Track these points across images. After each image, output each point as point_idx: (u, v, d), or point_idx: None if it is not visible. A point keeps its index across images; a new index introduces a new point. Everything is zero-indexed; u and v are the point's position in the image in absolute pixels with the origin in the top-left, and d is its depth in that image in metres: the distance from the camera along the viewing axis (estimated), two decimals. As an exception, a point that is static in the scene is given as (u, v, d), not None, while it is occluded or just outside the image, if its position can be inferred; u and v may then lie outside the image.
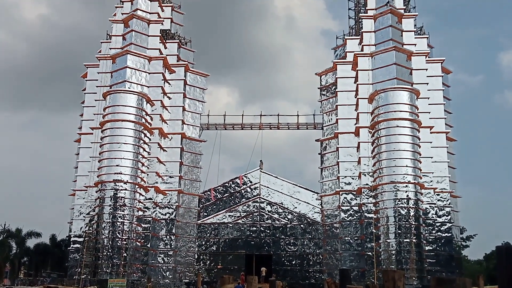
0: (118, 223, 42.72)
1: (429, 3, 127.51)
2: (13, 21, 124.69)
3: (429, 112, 45.59)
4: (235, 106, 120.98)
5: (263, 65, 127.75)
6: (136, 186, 44.28)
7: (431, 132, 45.35)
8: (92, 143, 47.27)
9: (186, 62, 52.10)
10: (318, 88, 53.08)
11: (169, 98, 50.11)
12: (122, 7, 51.26)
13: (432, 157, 44.75)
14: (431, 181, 44.46)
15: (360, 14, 50.86)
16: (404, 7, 49.12)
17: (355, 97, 47.33)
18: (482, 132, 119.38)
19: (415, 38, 47.82)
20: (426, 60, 47.22)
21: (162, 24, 50.88)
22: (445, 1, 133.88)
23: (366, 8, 49.89)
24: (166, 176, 48.47)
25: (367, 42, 47.50)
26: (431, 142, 45.01)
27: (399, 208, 41.50)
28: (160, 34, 50.11)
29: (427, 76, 46.51)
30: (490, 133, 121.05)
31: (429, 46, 49.45)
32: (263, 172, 53.38)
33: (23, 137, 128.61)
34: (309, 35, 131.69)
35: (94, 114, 48.01)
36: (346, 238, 46.07)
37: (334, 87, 50.57)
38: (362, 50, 47.99)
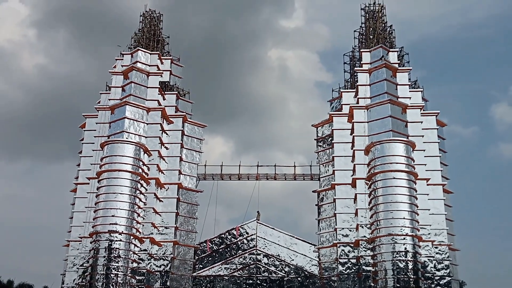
0: (112, 275, 42.01)
1: (423, 58, 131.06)
2: (10, 71, 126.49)
3: (425, 164, 45.89)
4: (230, 155, 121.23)
5: (259, 115, 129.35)
6: (131, 237, 43.84)
7: (427, 184, 45.49)
8: (88, 193, 47.15)
9: (184, 113, 52.77)
10: (315, 139, 53.60)
11: (167, 148, 50.44)
12: (122, 59, 52.38)
13: (429, 209, 44.69)
14: (429, 233, 44.21)
15: (356, 68, 52.02)
16: (398, 61, 50.41)
17: (351, 149, 47.74)
18: (478, 184, 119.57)
19: (410, 91, 48.78)
20: (421, 113, 47.98)
21: (161, 76, 51.91)
22: (437, 57, 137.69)
23: (361, 62, 51.09)
24: (162, 227, 48.05)
25: (363, 95, 48.44)
26: (427, 194, 45.06)
27: (397, 261, 41.10)
28: (159, 86, 50.99)
29: (423, 129, 47.14)
30: (486, 185, 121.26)
31: (424, 99, 50.34)
32: (260, 223, 53.05)
33: (17, 187, 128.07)
34: (303, 86, 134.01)
35: (91, 164, 48.09)
36: (344, 291, 45.32)
37: (330, 138, 51.11)
38: (357, 102, 48.85)
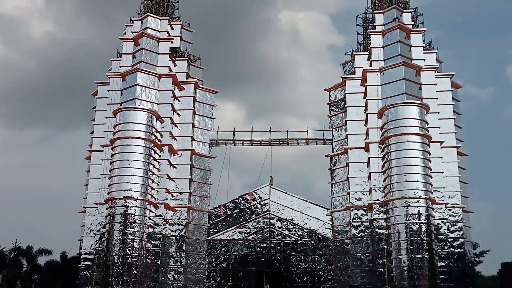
0: (128, 240, 42.79)
1: (437, 19, 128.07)
2: (20, 39, 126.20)
3: (439, 127, 45.53)
4: (242, 121, 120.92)
5: (270, 80, 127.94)
6: (146, 203, 44.41)
7: (441, 147, 45.24)
8: (102, 160, 47.65)
9: (195, 79, 52.61)
10: (327, 103, 53.30)
11: (179, 115, 50.54)
12: (132, 25, 51.99)
13: (443, 172, 44.61)
14: (443, 196, 44.23)
15: (369, 30, 51.21)
16: (413, 22, 49.46)
17: (365, 113, 47.44)
18: (493, 146, 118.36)
19: (424, 53, 48.00)
20: (435, 75, 47.35)
21: (172, 42, 51.52)
22: (453, 16, 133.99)
23: (374, 24, 50.25)
24: (176, 192, 48.66)
25: (376, 58, 47.73)
26: (441, 157, 44.87)
27: (410, 224, 41.26)
28: (169, 52, 50.68)
29: (437, 91, 46.61)
30: (501, 147, 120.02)
31: (438, 61, 49.58)
32: (273, 188, 53.37)
33: (32, 155, 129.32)
34: (315, 50, 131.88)
35: (105, 131, 48.42)
36: (357, 254, 45.84)
37: (343, 102, 50.78)
38: (370, 65, 48.22)
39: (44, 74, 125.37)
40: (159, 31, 51.33)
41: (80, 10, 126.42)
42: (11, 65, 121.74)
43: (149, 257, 44.15)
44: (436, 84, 46.84)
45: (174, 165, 49.02)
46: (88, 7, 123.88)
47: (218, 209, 52.93)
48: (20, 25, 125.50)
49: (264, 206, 52.62)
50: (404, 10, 49.62)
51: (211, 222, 51.95)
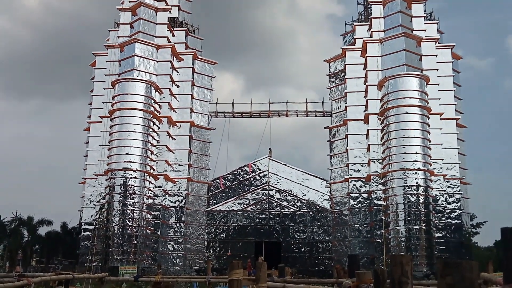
0: (128, 211, 43.18)
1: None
2: (14, 8, 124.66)
3: (439, 99, 45.46)
4: (241, 92, 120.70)
5: (268, 50, 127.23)
6: (146, 174, 44.66)
7: (441, 119, 45.28)
8: (101, 131, 47.66)
9: (194, 50, 52.21)
10: (327, 75, 53.07)
11: (178, 86, 50.33)
12: (130, -5, 51.30)
13: (442, 144, 44.73)
14: (441, 168, 44.49)
15: (369, 0, 50.58)
16: (414, -8, 48.83)
17: (364, 84, 47.28)
18: (492, 118, 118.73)
19: (425, 23, 47.59)
20: (436, 46, 47.05)
21: (170, 12, 50.92)
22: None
23: (375, -7, 49.60)
24: (175, 164, 48.85)
25: (376, 28, 47.29)
26: (441, 129, 44.95)
27: (408, 195, 41.63)
28: (168, 22, 50.17)
29: (437, 62, 46.34)
30: (500, 118, 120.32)
31: (439, 31, 49.19)
32: (272, 159, 53.61)
33: (30, 126, 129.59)
34: (313, 19, 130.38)
35: (103, 102, 48.28)
36: (355, 225, 46.34)
37: (343, 73, 50.54)
38: (371, 36, 47.80)
39: (40, 44, 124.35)
40: (157, 1, 50.64)
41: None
42: (6, 35, 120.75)
43: (149, 227, 44.61)
44: (436, 55, 46.58)
45: (173, 136, 49.06)
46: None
47: (218, 180, 53.25)
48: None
49: (263, 178, 52.97)
50: (406, -20, 48.93)
51: (211, 193, 52.35)
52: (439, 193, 44.34)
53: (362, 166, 46.94)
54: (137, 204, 43.63)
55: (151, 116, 45.84)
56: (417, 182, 41.84)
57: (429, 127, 43.48)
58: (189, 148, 49.56)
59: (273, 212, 50.51)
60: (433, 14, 50.30)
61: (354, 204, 46.60)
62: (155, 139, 46.22)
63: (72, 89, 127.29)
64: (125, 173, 43.70)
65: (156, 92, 46.98)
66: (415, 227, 41.04)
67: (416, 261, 39.29)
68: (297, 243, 49.67)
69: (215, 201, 52.42)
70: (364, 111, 46.96)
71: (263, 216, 50.48)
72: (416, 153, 42.21)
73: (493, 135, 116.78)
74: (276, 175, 52.77)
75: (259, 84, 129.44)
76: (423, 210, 41.33)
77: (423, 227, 41.01)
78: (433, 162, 43.34)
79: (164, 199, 47.25)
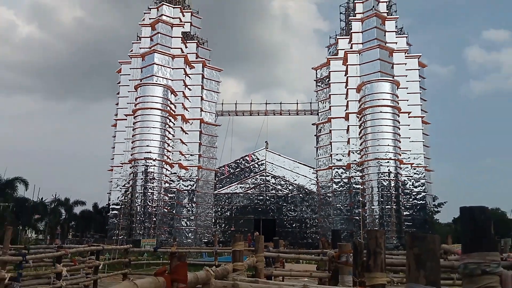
0: (148, 193, 43.16)
1: (408, 8, 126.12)
2: (53, 24, 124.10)
3: (408, 100, 45.36)
4: (242, 94, 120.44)
5: (265, 59, 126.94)
6: (163, 163, 44.58)
7: (409, 117, 45.20)
8: (126, 127, 47.49)
9: (203, 59, 51.96)
10: (314, 80, 52.88)
11: (190, 89, 50.12)
12: (149, 13, 51.00)
13: (409, 138, 44.67)
14: (409, 157, 44.46)
15: (350, 17, 50.34)
16: (387, 11, 48.63)
17: (345, 88, 47.14)
18: (452, 116, 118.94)
19: (396, 37, 47.41)
20: (405, 56, 46.87)
21: (183, 27, 50.66)
22: (421, 6, 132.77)
23: (355, 12, 49.35)
24: (188, 154, 48.74)
25: (356, 41, 47.13)
26: (409, 125, 44.88)
27: (381, 180, 41.65)
28: (181, 36, 49.91)
29: (406, 70, 46.21)
30: (459, 116, 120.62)
31: (408, 44, 48.99)
32: (268, 151, 53.55)
33: (66, 123, 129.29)
34: (303, 34, 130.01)
35: (127, 103, 48.10)
36: (337, 205, 46.37)
37: (327, 79, 50.35)
38: (351, 48, 47.62)
39: (73, 54, 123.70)
40: (173, 18, 50.39)
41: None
42: (46, 46, 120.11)
43: (165, 207, 44.60)
44: (405, 64, 46.41)
45: (186, 131, 48.91)
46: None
47: (223, 168, 53.20)
48: (53, 12, 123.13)
49: (260, 166, 52.94)
50: (380, 0, 48.68)
51: (217, 178, 52.29)
52: (407, 178, 44.35)
53: (343, 156, 46.87)
54: (156, 187, 43.59)
55: (168, 114, 45.68)
56: (389, 170, 41.84)
57: (399, 123, 43.43)
58: (199, 141, 49.43)
59: (269, 194, 50.54)
60: (403, 30, 50.06)
61: (337, 187, 46.60)
62: (171, 134, 46.10)
63: (101, 92, 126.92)
64: (146, 162, 43.62)
65: (172, 94, 46.81)
66: (387, 206, 41.10)
67: (388, 235, 39.37)
68: (289, 220, 49.74)
69: (220, 185, 52.39)
70: (345, 110, 46.84)
71: (261, 197, 50.51)
72: (388, 145, 42.20)
73: (453, 130, 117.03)
74: (272, 163, 52.73)
75: (257, 87, 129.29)
76: (393, 192, 41.38)
77: (394, 207, 41.08)
78: (402, 153, 43.31)
79: (179, 183, 47.19)
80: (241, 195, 50.85)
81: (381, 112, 42.86)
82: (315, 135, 51.66)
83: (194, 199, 48.02)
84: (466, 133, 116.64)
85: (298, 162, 53.42)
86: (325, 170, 49.00)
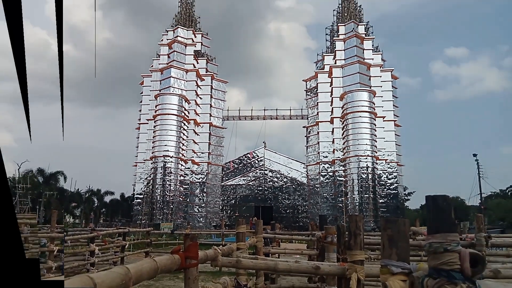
0: (166, 185, 43.17)
1: (383, 29, 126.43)
2: (86, 43, 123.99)
3: (382, 106, 45.31)
4: (244, 102, 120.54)
5: (263, 72, 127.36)
6: (179, 159, 44.56)
7: (384, 121, 45.14)
8: (147, 130, 47.50)
9: (212, 73, 51.90)
10: (304, 90, 52.83)
11: (201, 98, 50.07)
12: (167, 34, 50.91)
13: (384, 138, 44.63)
14: (384, 154, 44.41)
15: (334, 38, 50.26)
16: (365, 32, 48.50)
17: (331, 96, 47.08)
18: (419, 119, 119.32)
19: (373, 54, 47.29)
20: (380, 70, 46.77)
21: (195, 46, 50.59)
22: (393, 28, 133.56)
23: (338, 33, 49.26)
24: (199, 152, 48.70)
25: (339, 57, 47.10)
26: (383, 127, 44.85)
27: (361, 173, 41.63)
28: (193, 53, 49.84)
29: (381, 81, 46.15)
30: (425, 120, 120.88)
31: (383, 60, 48.88)
32: (266, 149, 53.50)
33: (98, 126, 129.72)
34: (295, 51, 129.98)
35: (149, 109, 48.08)
36: (324, 194, 46.31)
37: (315, 89, 50.28)
38: (335, 63, 47.55)
39: (103, 68, 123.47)
40: (186, 39, 50.34)
41: (128, 22, 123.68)
42: (80, 63, 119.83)
43: (181, 196, 44.58)
44: (381, 76, 46.34)
45: (197, 133, 48.87)
46: (133, 19, 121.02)
47: (229, 163, 53.17)
48: (85, 33, 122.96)
49: (260, 162, 52.89)
50: (360, 23, 48.62)
51: (224, 172, 52.24)
52: (382, 172, 44.30)
53: (328, 153, 46.83)
54: (173, 180, 43.59)
55: (182, 119, 45.67)
56: (367, 164, 41.83)
57: (375, 126, 43.41)
58: (208, 141, 49.38)
59: (267, 185, 50.53)
60: (379, 48, 49.94)
61: (323, 180, 46.55)
62: (185, 135, 46.09)
63: (127, 101, 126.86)
64: (164, 158, 43.61)
65: (186, 102, 46.78)
66: (365, 195, 41.10)
67: (366, 219, 39.37)
68: (284, 207, 49.72)
69: (227, 178, 52.36)
70: (330, 115, 46.78)
71: (260, 188, 50.50)
72: (366, 144, 42.18)
73: (420, 131, 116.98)
74: (269, 160, 52.69)
75: (257, 96, 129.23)
76: (371, 184, 41.36)
77: (371, 196, 41.08)
78: (378, 150, 43.31)
79: (192, 176, 47.17)
80: (244, 186, 50.82)
81: (360, 116, 42.83)
82: (305, 136, 51.63)
83: (205, 190, 48.01)
84: (431, 133, 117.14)
85: (291, 159, 53.40)
86: (313, 165, 48.95)
